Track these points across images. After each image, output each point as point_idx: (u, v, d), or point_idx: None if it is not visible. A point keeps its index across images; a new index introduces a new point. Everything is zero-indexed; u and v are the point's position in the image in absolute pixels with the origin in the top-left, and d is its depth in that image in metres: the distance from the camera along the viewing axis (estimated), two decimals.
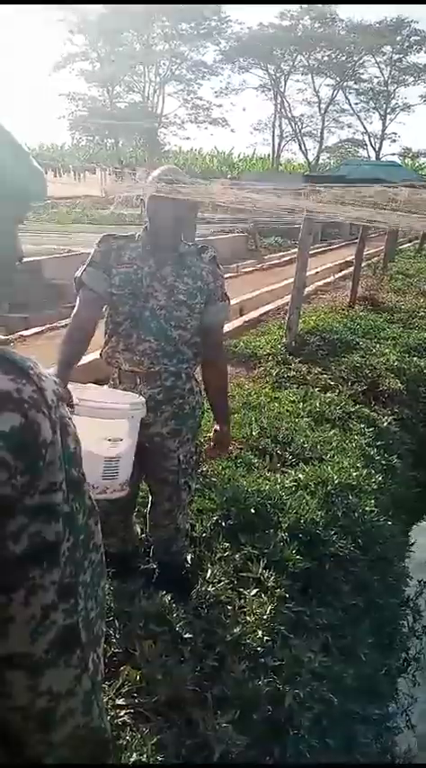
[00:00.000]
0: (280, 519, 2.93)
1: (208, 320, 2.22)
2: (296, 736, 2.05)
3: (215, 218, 14.97)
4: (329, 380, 5.21)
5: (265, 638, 2.24)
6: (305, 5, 39.92)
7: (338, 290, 9.46)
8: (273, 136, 45.64)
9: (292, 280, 6.34)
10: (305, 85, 46.48)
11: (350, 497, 3.35)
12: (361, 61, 42.67)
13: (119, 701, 1.85)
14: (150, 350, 2.16)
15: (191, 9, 38.11)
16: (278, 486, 3.20)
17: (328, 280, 10.45)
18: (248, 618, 2.32)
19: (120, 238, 2.25)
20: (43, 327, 6.46)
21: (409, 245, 18.41)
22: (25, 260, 0.84)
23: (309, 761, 2.02)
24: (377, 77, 43.54)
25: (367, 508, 3.35)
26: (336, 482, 3.38)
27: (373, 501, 3.47)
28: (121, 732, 1.75)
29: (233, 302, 2.79)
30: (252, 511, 2.93)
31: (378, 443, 4.37)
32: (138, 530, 2.62)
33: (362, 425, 4.48)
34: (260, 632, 2.25)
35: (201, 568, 2.55)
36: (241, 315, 7.08)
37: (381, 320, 7.63)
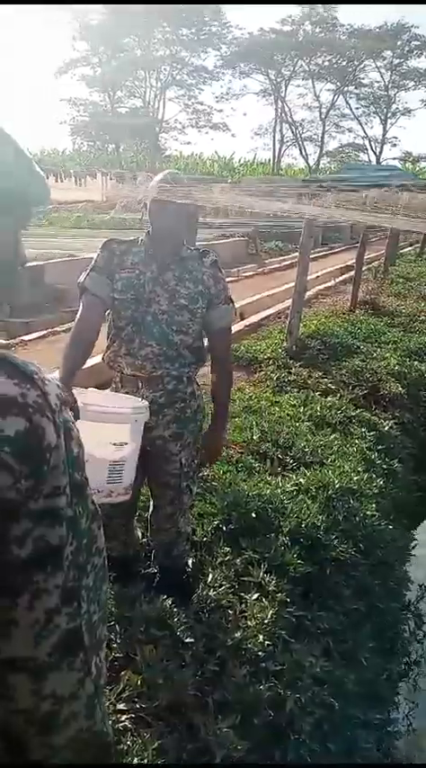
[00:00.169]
0: (281, 523, 2.92)
1: (212, 324, 2.23)
2: (297, 740, 2.04)
3: (215, 222, 14.99)
4: (330, 384, 5.21)
5: (266, 642, 2.24)
6: (305, 11, 40.07)
7: (339, 294, 9.46)
8: (274, 141, 45.82)
9: (293, 284, 6.35)
10: (305, 90, 46.56)
11: (351, 501, 3.34)
12: (362, 66, 42.83)
13: (120, 706, 1.85)
14: (152, 354, 2.17)
15: (192, 14, 38.26)
16: (279, 491, 3.20)
17: (329, 284, 10.45)
18: (249, 622, 2.32)
19: (123, 243, 2.26)
20: (44, 332, 6.47)
21: (410, 248, 18.42)
22: (27, 265, 0.85)
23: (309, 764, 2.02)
24: (378, 82, 43.70)
25: (368, 512, 3.35)
26: (337, 486, 3.38)
27: (374, 505, 3.47)
28: (122, 737, 1.75)
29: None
30: (253, 515, 2.92)
31: (379, 447, 4.37)
32: (139, 534, 2.62)
33: (363, 429, 4.48)
34: (261, 637, 2.25)
35: (202, 573, 2.55)
36: (242, 319, 7.08)
37: (382, 324, 7.63)
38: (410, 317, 8.27)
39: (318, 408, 4.57)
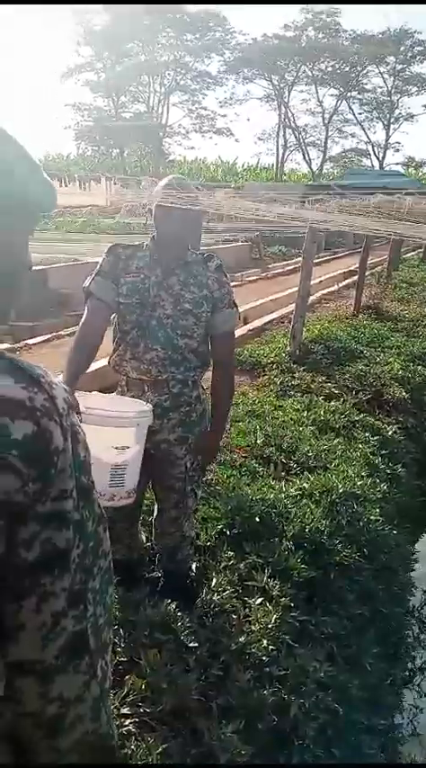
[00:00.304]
0: (285, 528, 2.92)
1: (216, 328, 2.23)
2: (301, 746, 2.04)
3: (218, 227, 15.02)
4: (333, 389, 5.21)
5: (270, 647, 2.24)
6: (308, 16, 40.16)
7: (342, 299, 9.46)
8: (277, 146, 45.86)
9: (296, 289, 6.36)
10: (309, 96, 46.66)
11: (355, 506, 3.34)
12: (365, 71, 42.88)
13: (124, 710, 1.85)
14: (157, 358, 2.17)
15: (196, 20, 38.43)
16: (282, 495, 3.20)
17: (332, 288, 10.46)
18: (253, 627, 2.32)
19: (128, 248, 2.26)
20: (49, 336, 6.49)
21: (413, 253, 18.41)
22: (31, 269, 0.85)
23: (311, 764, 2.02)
24: (381, 87, 43.77)
25: (371, 517, 3.35)
26: (341, 491, 3.38)
27: (378, 510, 3.46)
28: (126, 741, 1.75)
29: None
30: (257, 519, 2.92)
31: (383, 452, 4.37)
32: (144, 538, 2.62)
33: (367, 434, 4.48)
34: (265, 641, 2.24)
35: (206, 577, 2.55)
36: (245, 323, 7.09)
37: (385, 329, 7.63)
38: (413, 322, 8.27)
39: (322, 413, 4.57)
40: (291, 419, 4.36)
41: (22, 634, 0.69)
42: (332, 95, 44.68)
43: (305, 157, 46.30)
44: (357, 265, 9.07)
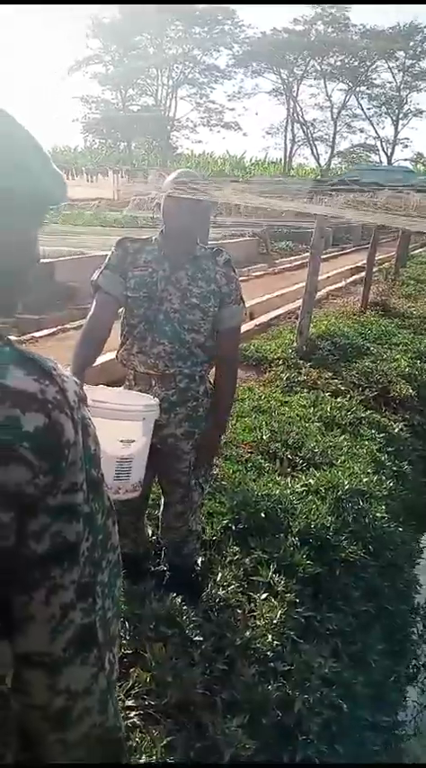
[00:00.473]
0: (291, 523, 2.92)
1: (222, 322, 2.22)
2: (305, 741, 2.04)
3: (227, 221, 14.98)
4: (340, 385, 5.20)
5: (275, 642, 2.24)
6: (318, 10, 39.95)
7: (349, 295, 9.44)
8: (285, 140, 45.67)
9: (303, 284, 6.34)
10: (317, 90, 46.66)
11: (361, 503, 3.34)
12: (374, 66, 42.59)
13: (129, 703, 1.86)
14: (164, 352, 2.17)
15: (205, 13, 38.26)
16: (288, 491, 3.20)
17: (339, 284, 10.43)
18: (258, 622, 2.32)
19: (137, 241, 2.26)
20: (55, 329, 6.50)
21: (421, 249, 18.36)
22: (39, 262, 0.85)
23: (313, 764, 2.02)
24: (390, 82, 43.42)
25: (377, 514, 3.35)
26: (347, 487, 3.37)
27: (384, 507, 3.46)
28: (131, 734, 1.75)
29: None
30: (263, 515, 2.92)
31: (389, 449, 4.36)
32: (150, 532, 2.63)
33: (373, 431, 4.47)
34: (270, 637, 2.25)
35: (211, 571, 2.56)
36: (251, 319, 7.08)
37: (392, 326, 7.61)
38: (421, 319, 8.24)
39: (328, 409, 4.56)
40: (297, 415, 4.36)
41: (31, 626, 0.69)
42: (340, 90, 44.48)
43: (313, 152, 46.16)
44: (364, 261, 9.04)
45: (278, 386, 5.05)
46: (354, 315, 7.91)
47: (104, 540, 0.76)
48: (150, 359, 2.18)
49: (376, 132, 45.94)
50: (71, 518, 0.70)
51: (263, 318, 7.36)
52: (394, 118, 44.83)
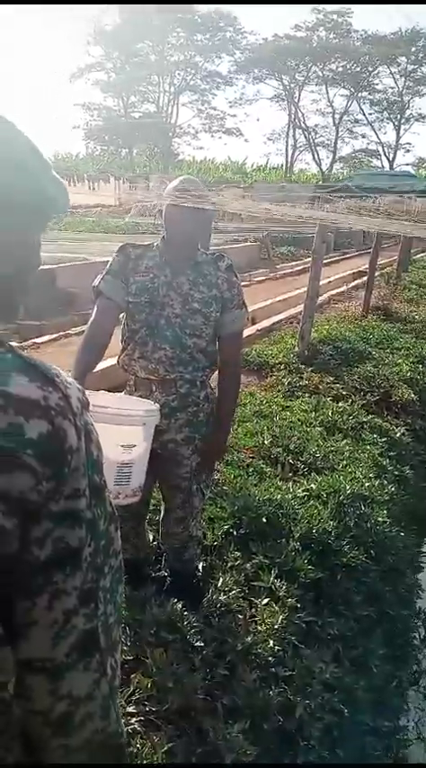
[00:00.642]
0: (292, 528, 2.92)
1: (224, 327, 2.23)
2: (306, 746, 2.04)
3: (228, 227, 15.01)
4: (341, 390, 5.20)
5: (276, 647, 2.24)
6: (319, 16, 40.06)
7: (351, 300, 9.44)
8: (287, 146, 45.76)
9: (304, 289, 6.35)
10: (319, 96, 46.64)
11: (363, 508, 3.34)
12: (376, 72, 42.70)
13: (130, 709, 1.85)
14: (165, 358, 2.17)
15: (207, 20, 38.43)
16: (289, 496, 3.20)
17: (341, 289, 10.44)
18: (259, 627, 2.32)
19: (138, 247, 2.27)
20: (56, 335, 6.51)
21: (423, 254, 18.34)
22: (40, 268, 0.85)
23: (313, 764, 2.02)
24: (392, 88, 43.53)
25: (379, 519, 3.34)
26: (348, 492, 3.37)
27: (385, 512, 3.46)
28: (132, 739, 1.75)
29: None
30: (264, 520, 2.92)
31: (391, 454, 4.36)
32: (150, 537, 2.63)
33: (375, 436, 4.46)
34: (271, 642, 2.25)
35: (213, 577, 2.55)
36: (253, 323, 7.09)
37: (394, 330, 7.61)
38: (422, 324, 8.24)
39: (330, 414, 4.56)
40: (299, 420, 4.36)
41: (33, 631, 0.70)
42: (342, 96, 44.58)
43: (314, 158, 46.25)
44: (366, 266, 9.05)
45: (279, 390, 5.05)
46: (356, 319, 7.91)
47: (107, 545, 0.77)
48: (151, 364, 2.19)
49: (378, 137, 46.07)
50: (74, 524, 0.70)
51: (265, 323, 7.37)
52: (396, 123, 44.92)
